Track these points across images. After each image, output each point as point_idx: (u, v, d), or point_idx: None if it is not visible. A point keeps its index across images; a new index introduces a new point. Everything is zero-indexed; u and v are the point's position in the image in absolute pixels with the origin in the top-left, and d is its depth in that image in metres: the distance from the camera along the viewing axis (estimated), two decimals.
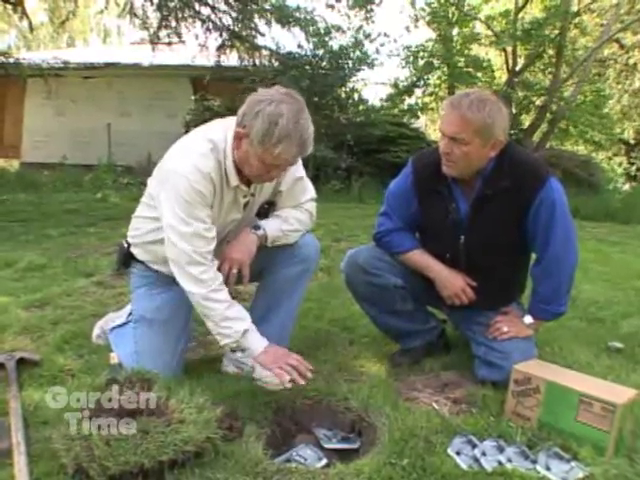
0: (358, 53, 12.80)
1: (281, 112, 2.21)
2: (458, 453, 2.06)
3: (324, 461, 2.08)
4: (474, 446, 2.09)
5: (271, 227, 2.61)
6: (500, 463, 2.00)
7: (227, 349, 2.65)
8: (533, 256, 2.74)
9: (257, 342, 2.40)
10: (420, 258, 2.80)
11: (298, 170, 2.65)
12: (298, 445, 2.19)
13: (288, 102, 2.25)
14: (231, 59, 12.50)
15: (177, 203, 2.32)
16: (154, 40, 11.76)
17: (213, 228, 2.41)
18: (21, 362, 2.66)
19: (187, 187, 2.29)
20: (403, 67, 15.96)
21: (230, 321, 2.37)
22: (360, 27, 13.16)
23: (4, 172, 13.56)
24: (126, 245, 2.74)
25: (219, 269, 2.53)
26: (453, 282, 2.74)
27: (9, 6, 10.86)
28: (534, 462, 2.02)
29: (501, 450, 2.07)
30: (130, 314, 2.96)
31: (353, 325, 3.45)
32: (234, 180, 2.42)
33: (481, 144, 2.45)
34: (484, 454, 2.05)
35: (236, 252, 2.54)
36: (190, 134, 2.56)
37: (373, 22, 13.55)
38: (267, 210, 2.69)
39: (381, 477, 1.91)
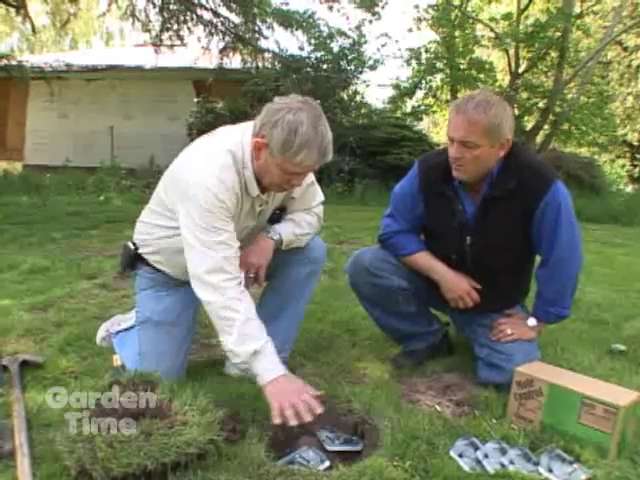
0: (356, 55, 12.82)
1: (300, 120, 2.19)
2: (460, 455, 2.06)
3: (327, 463, 2.08)
4: (476, 448, 2.09)
5: (286, 231, 2.61)
6: (502, 465, 2.00)
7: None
8: (537, 259, 2.75)
9: (268, 369, 2.23)
10: (425, 260, 2.80)
11: (309, 176, 2.65)
12: (301, 447, 2.18)
13: (306, 110, 2.23)
14: (234, 62, 12.51)
15: (201, 216, 2.27)
16: (157, 43, 11.76)
17: (235, 237, 2.37)
18: (24, 364, 2.67)
19: (212, 200, 2.26)
20: (407, 65, 15.96)
21: (244, 337, 2.23)
22: (359, 26, 13.18)
23: (7, 175, 13.54)
24: (133, 247, 2.72)
25: None
26: (458, 285, 2.75)
27: (12, 9, 10.87)
28: (536, 464, 2.02)
29: (503, 452, 2.07)
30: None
31: (356, 327, 3.46)
32: (254, 190, 2.40)
33: (490, 145, 2.45)
34: (486, 456, 2.05)
35: (253, 256, 2.54)
36: (205, 143, 2.52)
37: (371, 22, 13.59)
38: (279, 216, 2.69)
39: (383, 479, 1.90)
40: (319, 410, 2.16)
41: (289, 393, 2.17)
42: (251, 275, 2.54)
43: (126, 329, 2.92)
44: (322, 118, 2.27)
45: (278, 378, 2.22)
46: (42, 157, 15.89)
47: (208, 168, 2.31)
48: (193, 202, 2.29)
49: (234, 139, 2.40)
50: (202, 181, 2.28)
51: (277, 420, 2.11)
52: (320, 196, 2.79)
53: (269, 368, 2.23)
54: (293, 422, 2.10)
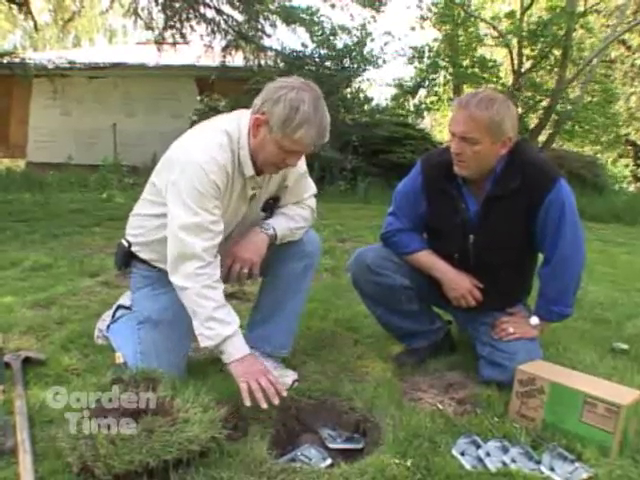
0: (361, 53, 12.82)
1: (302, 98, 2.25)
2: (462, 453, 2.07)
3: (328, 461, 2.09)
4: (478, 446, 2.10)
5: (280, 226, 2.61)
6: (504, 464, 2.01)
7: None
8: (540, 257, 2.75)
9: (237, 349, 2.33)
10: (427, 259, 2.80)
11: (302, 166, 2.67)
12: (302, 445, 2.19)
13: (308, 90, 2.29)
14: (236, 59, 12.51)
15: (188, 193, 2.30)
16: (159, 40, 11.75)
17: (221, 222, 2.39)
18: (27, 361, 2.67)
19: (202, 177, 2.29)
20: (410, 64, 15.97)
21: (215, 322, 2.31)
22: (364, 25, 13.17)
23: (10, 172, 13.54)
24: (126, 244, 2.72)
25: (229, 269, 2.54)
26: (460, 283, 2.75)
27: (14, 6, 10.85)
28: (538, 463, 2.02)
29: (505, 451, 2.07)
30: (117, 310, 3.01)
31: (358, 325, 3.45)
32: (249, 170, 2.42)
33: (491, 142, 2.46)
34: (488, 454, 2.05)
35: (247, 252, 2.54)
36: (201, 126, 2.57)
37: (375, 21, 13.61)
38: (272, 205, 2.69)
39: (385, 477, 1.91)
40: (285, 393, 2.27)
41: (255, 373, 2.27)
42: (245, 271, 2.54)
43: (113, 320, 2.97)
44: (322, 100, 2.33)
45: (245, 357, 2.32)
46: (45, 154, 15.88)
47: (201, 147, 2.36)
48: (184, 180, 2.32)
49: (231, 121, 2.44)
50: (195, 159, 2.32)
51: (247, 402, 2.19)
52: (312, 188, 2.80)
53: (237, 347, 2.33)
54: (264, 405, 2.19)
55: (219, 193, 2.36)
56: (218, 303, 2.33)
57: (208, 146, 2.35)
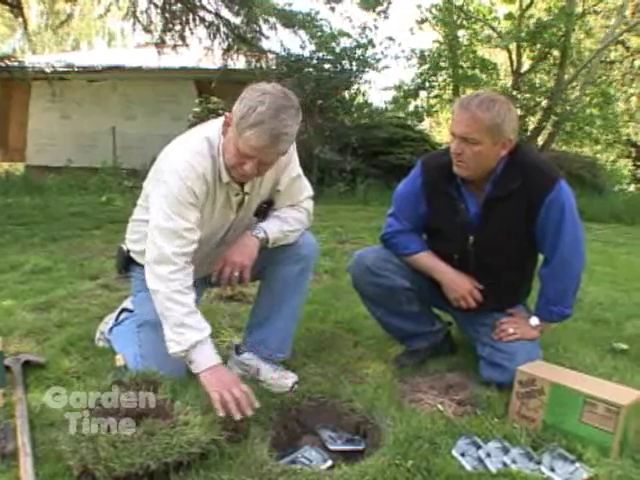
0: (360, 55, 12.82)
1: (263, 101, 2.21)
2: (463, 454, 2.07)
3: (329, 462, 2.09)
4: (479, 447, 2.10)
5: (272, 229, 2.60)
6: (505, 464, 2.01)
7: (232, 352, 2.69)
8: (540, 258, 2.75)
9: (206, 357, 2.28)
10: (427, 260, 2.81)
11: (294, 169, 2.65)
12: (303, 447, 2.19)
13: (276, 96, 2.25)
14: (236, 62, 12.49)
15: (165, 199, 2.33)
16: (159, 44, 11.73)
17: (196, 231, 2.39)
18: (27, 365, 2.67)
19: (180, 185, 2.31)
20: (411, 66, 16.02)
21: (185, 328, 2.27)
22: (364, 28, 13.18)
23: (9, 175, 13.52)
24: (125, 249, 2.75)
25: (220, 272, 2.54)
26: (460, 285, 2.75)
27: (6, 7, 10.80)
28: (538, 463, 2.02)
29: (506, 451, 2.08)
30: (120, 313, 3.01)
31: (358, 327, 3.45)
32: (225, 177, 2.42)
33: (492, 143, 2.47)
34: (489, 455, 2.05)
35: (237, 255, 2.53)
36: (188, 133, 2.58)
37: (377, 27, 13.60)
38: (266, 210, 2.68)
39: (385, 478, 1.91)
40: (257, 404, 2.20)
41: (228, 383, 2.21)
42: (235, 274, 2.54)
43: (116, 323, 2.98)
44: (291, 110, 2.26)
45: (215, 366, 2.27)
46: (44, 158, 15.85)
47: (182, 155, 2.37)
48: (164, 188, 2.34)
49: (214, 128, 2.45)
50: (174, 167, 2.34)
51: (221, 413, 2.11)
52: (308, 190, 2.78)
53: (207, 355, 2.28)
54: (237, 416, 2.11)
55: (198, 201, 2.37)
56: (189, 309, 2.31)
57: (189, 154, 2.37)
